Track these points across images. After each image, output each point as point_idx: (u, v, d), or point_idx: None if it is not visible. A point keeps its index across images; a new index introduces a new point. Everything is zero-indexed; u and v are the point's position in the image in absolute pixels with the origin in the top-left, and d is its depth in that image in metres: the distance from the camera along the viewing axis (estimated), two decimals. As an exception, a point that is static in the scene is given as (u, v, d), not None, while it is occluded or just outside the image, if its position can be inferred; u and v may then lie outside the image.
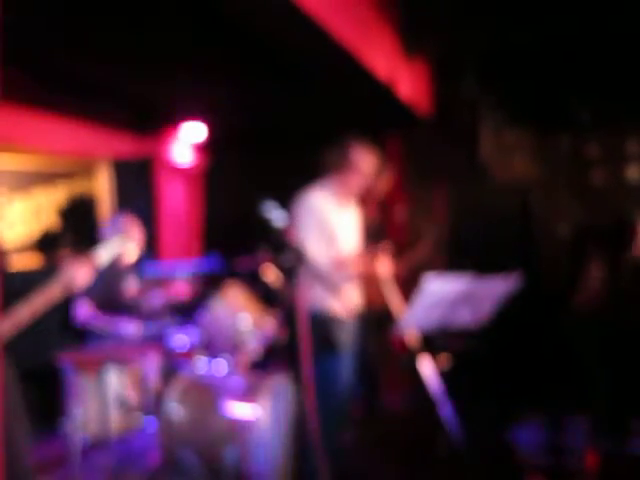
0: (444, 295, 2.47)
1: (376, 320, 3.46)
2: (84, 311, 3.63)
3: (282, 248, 2.59)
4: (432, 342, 3.09)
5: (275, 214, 2.36)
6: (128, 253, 3.79)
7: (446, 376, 2.97)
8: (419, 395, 4.04)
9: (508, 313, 2.79)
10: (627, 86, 4.84)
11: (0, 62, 1.42)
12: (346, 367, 2.92)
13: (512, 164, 5.57)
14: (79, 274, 2.08)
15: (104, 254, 2.23)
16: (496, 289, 2.60)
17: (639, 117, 5.10)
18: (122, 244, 2.30)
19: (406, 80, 4.63)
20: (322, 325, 2.80)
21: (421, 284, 2.38)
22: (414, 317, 2.53)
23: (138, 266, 3.92)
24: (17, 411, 2.13)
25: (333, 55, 3.57)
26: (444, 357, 2.98)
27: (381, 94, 4.35)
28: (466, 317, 2.63)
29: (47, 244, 4.60)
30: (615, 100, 4.97)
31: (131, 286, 3.84)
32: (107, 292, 3.70)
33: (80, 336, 3.75)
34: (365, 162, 2.90)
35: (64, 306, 3.55)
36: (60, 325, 3.86)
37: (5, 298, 1.99)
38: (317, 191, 2.91)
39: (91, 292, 3.56)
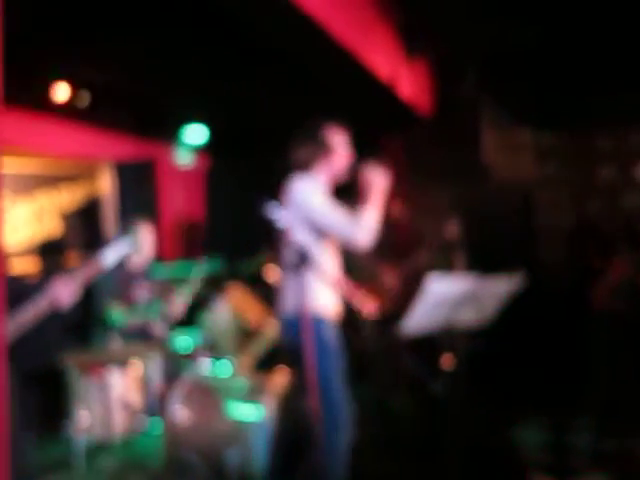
0: (448, 295, 2.46)
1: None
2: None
3: (285, 248, 2.59)
4: (436, 342, 3.09)
5: (278, 214, 2.35)
6: (138, 255, 3.78)
7: (450, 376, 2.96)
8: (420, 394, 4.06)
9: (512, 313, 2.78)
10: (633, 82, 4.83)
11: (1, 66, 1.41)
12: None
13: (515, 163, 5.56)
14: (64, 293, 2.15)
15: (111, 255, 2.27)
16: (500, 289, 2.59)
17: None
18: (130, 246, 2.33)
19: (407, 80, 4.63)
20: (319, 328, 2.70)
21: (424, 284, 2.37)
22: (418, 318, 2.52)
23: (148, 270, 3.92)
24: (18, 416, 2.13)
25: (334, 55, 3.57)
26: (448, 357, 2.98)
27: (382, 94, 4.35)
28: (470, 317, 2.62)
29: (49, 249, 4.60)
30: (622, 97, 4.95)
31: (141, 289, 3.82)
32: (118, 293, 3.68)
33: (83, 338, 3.74)
34: (341, 139, 2.82)
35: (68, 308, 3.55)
36: (64, 327, 3.86)
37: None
38: (308, 182, 2.74)
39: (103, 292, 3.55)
